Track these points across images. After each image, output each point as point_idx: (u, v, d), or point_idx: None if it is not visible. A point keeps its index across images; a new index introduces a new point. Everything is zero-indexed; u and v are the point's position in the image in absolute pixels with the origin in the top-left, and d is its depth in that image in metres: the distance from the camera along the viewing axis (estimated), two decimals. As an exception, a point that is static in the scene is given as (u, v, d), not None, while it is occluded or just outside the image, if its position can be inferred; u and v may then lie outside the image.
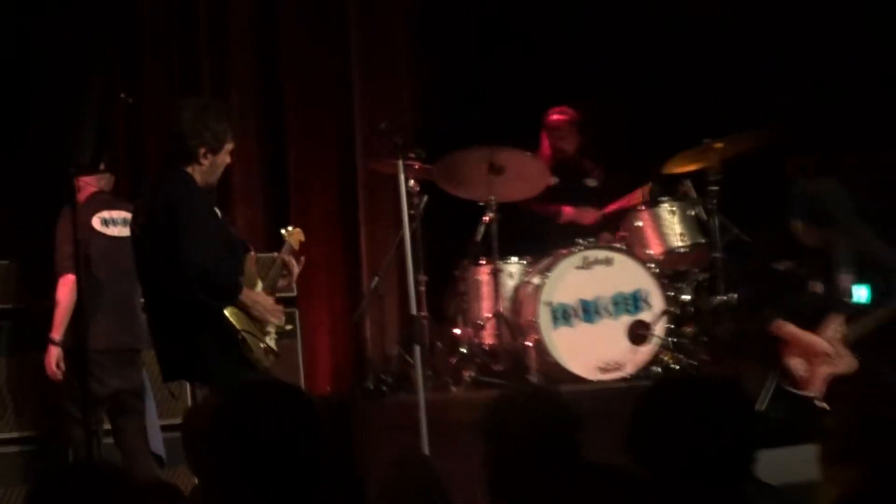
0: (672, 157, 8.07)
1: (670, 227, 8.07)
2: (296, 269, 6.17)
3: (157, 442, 7.00)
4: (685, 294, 8.04)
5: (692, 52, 8.69)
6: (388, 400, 7.77)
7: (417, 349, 6.79)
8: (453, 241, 8.21)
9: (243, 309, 5.70)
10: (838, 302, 6.64)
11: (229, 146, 5.83)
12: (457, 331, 8.08)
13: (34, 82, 6.85)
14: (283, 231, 6.36)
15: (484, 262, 7.96)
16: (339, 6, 9.03)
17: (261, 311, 5.78)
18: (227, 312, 5.63)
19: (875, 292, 6.66)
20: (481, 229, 7.90)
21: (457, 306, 8.13)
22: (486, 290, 7.94)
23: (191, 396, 6.76)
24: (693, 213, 8.09)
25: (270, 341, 5.84)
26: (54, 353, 6.73)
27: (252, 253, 6.01)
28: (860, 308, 6.64)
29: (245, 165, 8.57)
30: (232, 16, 8.97)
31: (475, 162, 7.80)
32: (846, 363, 6.56)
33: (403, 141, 7.05)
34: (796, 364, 6.61)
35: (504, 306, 7.79)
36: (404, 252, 6.82)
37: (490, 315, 7.83)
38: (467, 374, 7.65)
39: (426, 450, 6.28)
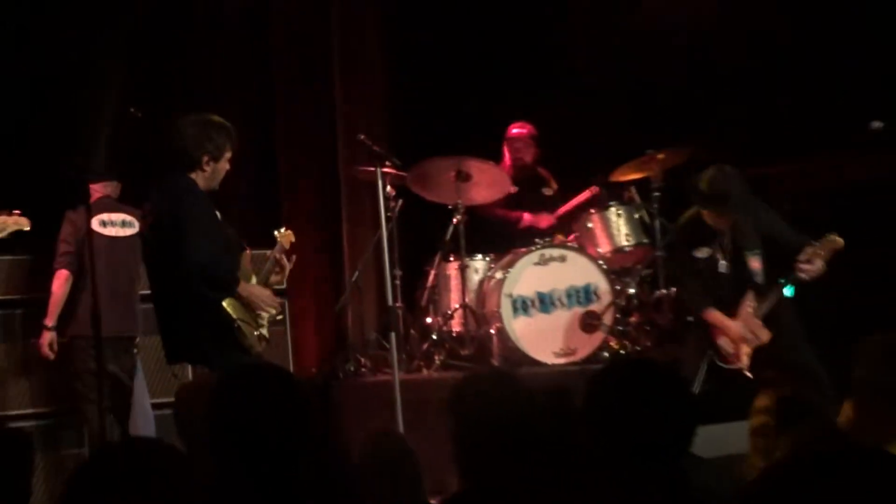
0: (619, 167, 8.12)
1: (617, 228, 8.10)
2: (287, 267, 6.18)
3: (144, 421, 6.98)
4: (630, 287, 8.07)
5: (637, 72, 8.71)
6: (366, 380, 7.76)
7: (393, 336, 6.80)
8: (425, 240, 8.20)
9: (240, 300, 5.71)
10: (748, 281, 6.71)
11: (228, 154, 5.84)
12: (428, 320, 8.06)
13: (53, 98, 6.83)
14: (276, 232, 6.35)
15: (452, 259, 7.96)
16: (324, 34, 9.01)
17: (256, 301, 5.78)
18: (224, 304, 5.64)
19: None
20: (450, 229, 7.90)
21: (428, 298, 8.12)
22: (454, 283, 7.93)
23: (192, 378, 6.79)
24: (637, 216, 8.13)
25: (263, 329, 5.85)
26: (47, 337, 6.84)
27: (248, 251, 6.00)
28: (767, 285, 6.69)
29: (241, 171, 8.51)
30: (228, 34, 8.92)
31: (444, 169, 7.80)
32: (762, 335, 6.65)
33: (381, 151, 7.03)
34: (724, 343, 6.71)
35: (470, 298, 7.79)
36: (381, 249, 6.82)
37: (458, 306, 7.82)
38: (437, 358, 7.65)
39: (400, 424, 6.27)
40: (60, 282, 6.81)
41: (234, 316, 5.65)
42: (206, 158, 5.74)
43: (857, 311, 7.01)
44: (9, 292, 7.10)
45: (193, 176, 5.75)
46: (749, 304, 6.67)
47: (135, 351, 6.97)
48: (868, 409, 3.88)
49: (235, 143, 5.88)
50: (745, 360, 6.64)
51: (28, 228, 6.33)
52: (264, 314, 5.85)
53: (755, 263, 6.70)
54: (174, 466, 2.50)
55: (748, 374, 6.63)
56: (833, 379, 6.26)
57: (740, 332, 6.65)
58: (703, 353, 6.70)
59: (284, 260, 6.17)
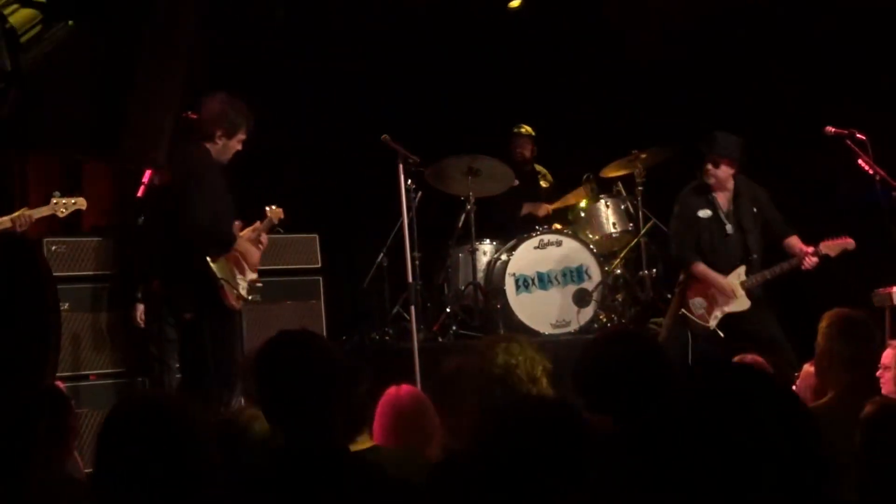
0: (608, 164, 8.12)
1: (606, 217, 8.12)
2: (264, 245, 6.17)
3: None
4: (617, 269, 8.07)
5: (626, 83, 8.67)
6: (390, 347, 7.75)
7: (413, 308, 6.80)
8: (441, 227, 8.19)
9: (227, 260, 5.74)
10: (745, 254, 6.66)
11: (241, 136, 5.83)
12: (443, 295, 8.07)
13: (128, 104, 6.79)
14: (267, 208, 6.33)
15: (464, 243, 7.95)
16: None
17: (248, 257, 5.84)
18: (211, 263, 5.67)
19: None
20: (462, 218, 7.90)
21: (443, 276, 8.12)
22: (465, 264, 7.93)
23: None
24: (623, 207, 8.15)
25: (242, 290, 5.88)
26: (139, 309, 6.83)
27: (238, 222, 6.01)
28: (758, 263, 6.64)
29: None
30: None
31: (457, 166, 7.78)
32: (741, 303, 6.60)
33: (402, 150, 7.00)
34: (697, 302, 6.65)
35: (479, 277, 7.79)
36: (403, 234, 6.82)
37: (469, 283, 7.82)
38: (451, 329, 7.65)
39: (419, 385, 6.24)
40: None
41: (219, 275, 5.68)
42: (219, 133, 5.74)
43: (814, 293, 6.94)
44: (97, 269, 7.14)
45: (208, 146, 5.75)
46: (738, 274, 6.61)
47: None
48: (827, 372, 3.92)
49: (251, 127, 5.83)
50: (713, 321, 6.60)
51: (84, 208, 6.32)
52: (241, 279, 5.86)
53: (751, 241, 6.64)
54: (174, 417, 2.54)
55: (717, 332, 6.59)
56: (794, 347, 6.25)
57: (724, 285, 6.55)
58: (679, 319, 6.64)
59: (265, 237, 6.17)
